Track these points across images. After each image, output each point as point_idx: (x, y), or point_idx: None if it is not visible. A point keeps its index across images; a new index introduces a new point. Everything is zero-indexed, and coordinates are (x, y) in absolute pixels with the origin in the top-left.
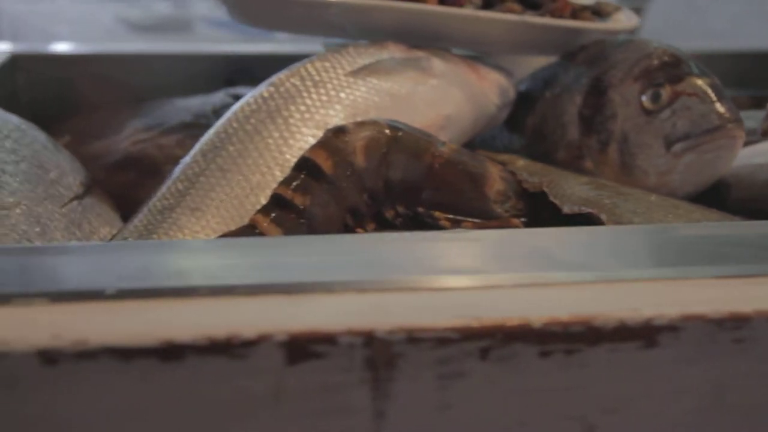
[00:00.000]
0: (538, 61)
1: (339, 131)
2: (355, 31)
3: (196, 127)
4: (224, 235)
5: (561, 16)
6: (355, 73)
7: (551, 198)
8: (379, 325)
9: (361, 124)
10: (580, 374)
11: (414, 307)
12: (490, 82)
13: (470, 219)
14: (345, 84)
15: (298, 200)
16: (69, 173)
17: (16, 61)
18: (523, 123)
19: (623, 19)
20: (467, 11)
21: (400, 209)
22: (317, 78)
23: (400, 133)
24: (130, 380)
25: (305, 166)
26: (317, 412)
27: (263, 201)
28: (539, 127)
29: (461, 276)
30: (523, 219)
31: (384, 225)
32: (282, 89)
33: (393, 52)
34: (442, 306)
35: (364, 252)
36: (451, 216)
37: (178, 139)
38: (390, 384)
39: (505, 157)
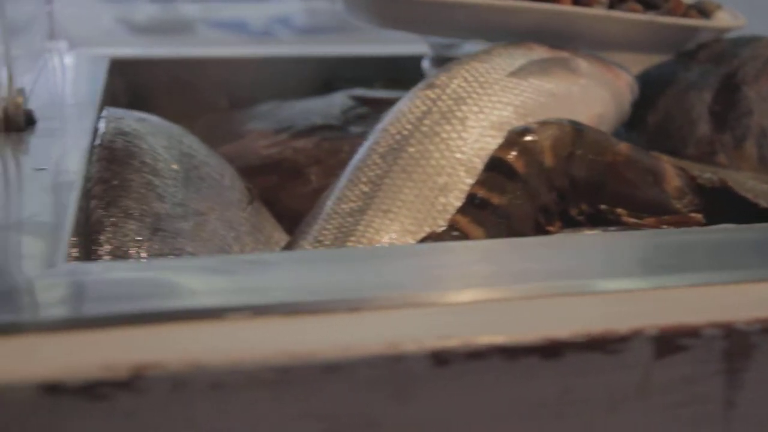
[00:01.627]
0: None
1: (525, 131)
2: (487, 32)
3: (328, 129)
4: (426, 238)
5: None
6: (516, 74)
7: (742, 193)
8: (738, 317)
9: (544, 124)
10: None
11: None
12: (623, 81)
13: (651, 215)
14: (511, 85)
15: (495, 200)
16: (235, 178)
17: (114, 66)
18: (643, 120)
19: (727, 18)
20: (600, 11)
21: (584, 207)
22: (482, 79)
23: (582, 132)
24: (513, 378)
25: (498, 166)
26: (675, 404)
27: (452, 201)
28: (662, 125)
29: None
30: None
31: (569, 223)
32: (449, 90)
33: (540, 52)
34: None
35: None
36: (632, 213)
37: (315, 141)
38: (743, 374)
39: None
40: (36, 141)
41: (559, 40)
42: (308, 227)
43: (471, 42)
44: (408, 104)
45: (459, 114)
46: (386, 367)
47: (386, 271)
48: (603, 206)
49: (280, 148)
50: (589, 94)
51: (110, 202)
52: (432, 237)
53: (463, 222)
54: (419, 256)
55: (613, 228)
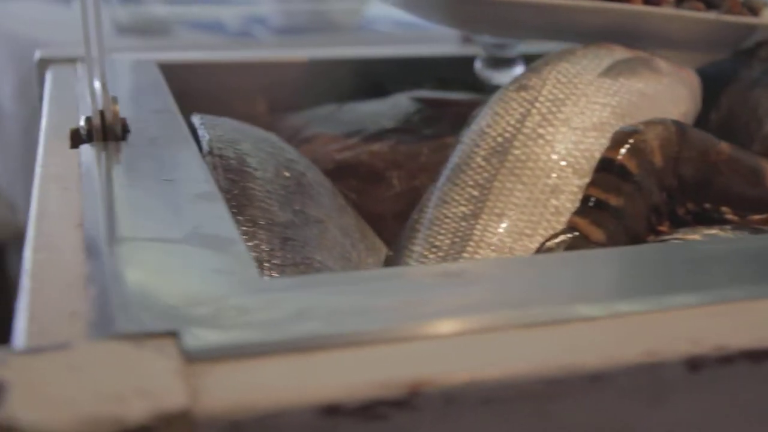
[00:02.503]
0: None
1: (633, 132)
2: (555, 32)
3: (401, 132)
4: (549, 240)
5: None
6: (607, 74)
7: None
8: None
9: (650, 125)
10: None
11: None
12: (694, 78)
13: (755, 213)
14: (605, 85)
15: (613, 201)
16: (330, 184)
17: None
18: (706, 118)
19: None
20: (669, 10)
21: (690, 206)
22: (576, 80)
23: (686, 132)
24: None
25: (610, 167)
26: None
27: (564, 203)
28: (726, 122)
29: None
30: None
31: (676, 223)
32: (545, 92)
33: (621, 53)
34: None
35: None
36: (736, 211)
37: (390, 145)
38: None
39: None
40: (143, 150)
41: (629, 39)
42: (415, 232)
43: (523, 42)
44: (503, 106)
45: (560, 116)
46: (644, 374)
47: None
48: (707, 205)
49: (355, 152)
50: (675, 93)
51: (236, 213)
52: (551, 239)
53: (583, 224)
54: None
55: (728, 226)
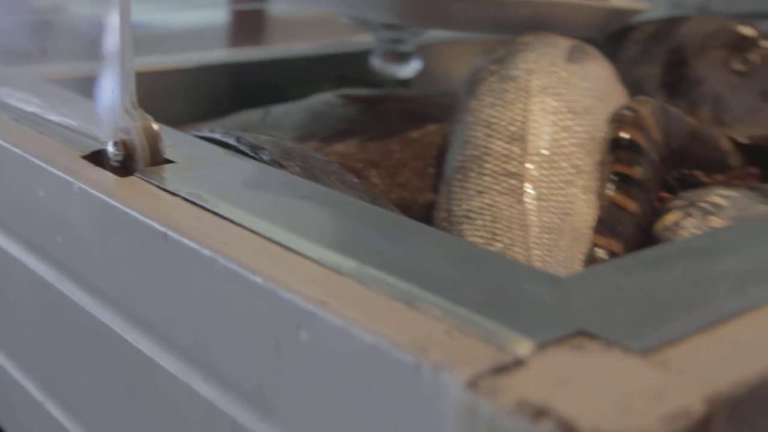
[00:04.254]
0: None
1: (631, 110)
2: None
3: (357, 132)
4: (602, 218)
5: None
6: (572, 62)
7: None
8: None
9: (641, 103)
10: None
11: None
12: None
13: (720, 174)
14: (579, 72)
15: (637, 174)
16: None
17: None
18: None
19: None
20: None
21: (675, 174)
22: (555, 69)
23: (665, 107)
24: None
25: (626, 144)
26: None
27: (588, 181)
28: None
29: None
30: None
31: (667, 190)
32: (535, 81)
33: (562, 41)
34: None
35: None
36: (707, 174)
37: (356, 145)
38: None
39: None
40: (206, 172)
41: (531, 27)
42: (458, 226)
43: (421, 35)
44: (498, 96)
45: (556, 104)
46: None
47: None
48: (685, 171)
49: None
50: (614, 73)
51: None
52: (603, 216)
53: (620, 198)
54: None
55: (721, 187)
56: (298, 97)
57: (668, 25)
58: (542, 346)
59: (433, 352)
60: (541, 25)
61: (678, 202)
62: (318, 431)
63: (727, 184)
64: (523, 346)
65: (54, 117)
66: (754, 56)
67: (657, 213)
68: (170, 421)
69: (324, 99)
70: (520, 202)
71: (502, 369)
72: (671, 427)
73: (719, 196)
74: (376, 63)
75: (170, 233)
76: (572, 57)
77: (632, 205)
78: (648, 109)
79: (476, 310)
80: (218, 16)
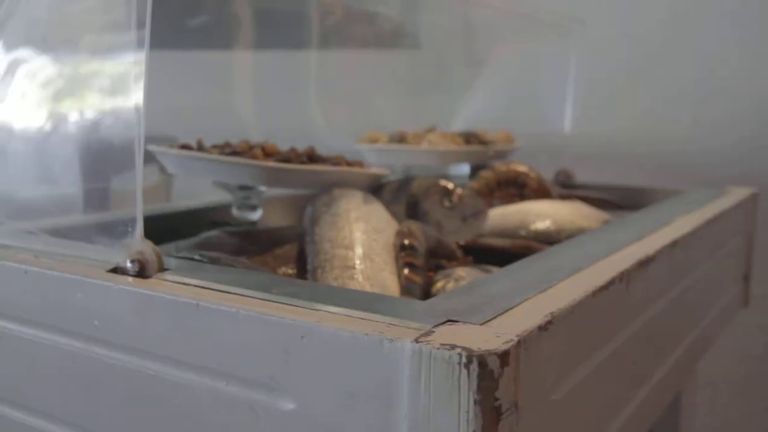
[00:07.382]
0: None
1: (408, 228)
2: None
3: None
4: (403, 288)
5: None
6: (367, 204)
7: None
8: None
9: (411, 224)
10: None
11: None
12: None
13: (449, 260)
14: (373, 208)
15: (418, 263)
16: None
17: None
18: None
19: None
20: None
21: (432, 262)
22: (364, 208)
23: (423, 226)
24: None
25: (409, 246)
26: None
27: (392, 268)
28: None
29: None
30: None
31: (431, 270)
32: (353, 215)
33: (358, 192)
34: None
35: None
36: (445, 259)
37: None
38: None
39: None
40: (194, 273)
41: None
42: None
43: (263, 193)
44: (333, 224)
45: (369, 226)
46: None
47: None
48: (436, 260)
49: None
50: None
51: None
52: (403, 285)
53: (411, 276)
54: None
55: (460, 267)
56: (193, 235)
57: (405, 182)
58: (436, 325)
59: (387, 333)
60: (340, 183)
61: (440, 275)
62: (321, 401)
63: (461, 266)
64: (428, 325)
65: (61, 250)
66: (454, 198)
67: (430, 282)
68: (197, 410)
69: (215, 234)
70: (358, 282)
71: (426, 334)
72: (501, 347)
73: (462, 270)
74: (235, 211)
75: (201, 303)
76: (367, 200)
77: (418, 279)
78: (415, 227)
79: (398, 316)
80: None
